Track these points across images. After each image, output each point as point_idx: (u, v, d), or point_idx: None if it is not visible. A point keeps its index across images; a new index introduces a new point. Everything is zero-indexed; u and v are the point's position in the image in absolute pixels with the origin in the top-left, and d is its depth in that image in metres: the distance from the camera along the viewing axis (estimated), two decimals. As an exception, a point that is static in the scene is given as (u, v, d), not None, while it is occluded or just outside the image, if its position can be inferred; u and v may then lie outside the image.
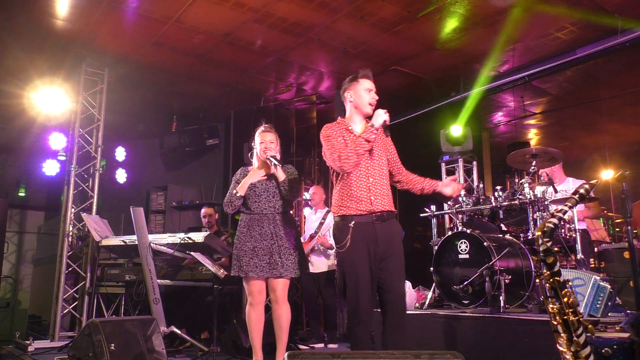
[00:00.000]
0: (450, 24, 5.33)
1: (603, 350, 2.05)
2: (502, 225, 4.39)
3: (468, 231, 4.10)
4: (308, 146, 7.44)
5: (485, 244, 3.87)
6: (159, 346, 3.48)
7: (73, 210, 5.72)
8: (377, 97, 2.89)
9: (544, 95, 7.20)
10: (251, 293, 3.35)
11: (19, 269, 10.54)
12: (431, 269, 4.27)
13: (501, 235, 4.27)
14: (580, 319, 1.60)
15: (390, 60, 6.08)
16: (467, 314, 3.66)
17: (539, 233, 1.64)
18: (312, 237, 5.17)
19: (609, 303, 3.19)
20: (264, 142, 3.45)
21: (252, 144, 3.59)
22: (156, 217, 8.10)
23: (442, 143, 6.89)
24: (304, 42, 5.68)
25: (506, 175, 8.34)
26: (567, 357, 1.61)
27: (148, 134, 8.29)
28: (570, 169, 5.22)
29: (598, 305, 3.17)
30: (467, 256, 4.05)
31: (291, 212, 3.58)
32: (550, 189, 4.26)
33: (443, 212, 5.02)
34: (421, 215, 5.02)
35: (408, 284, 4.45)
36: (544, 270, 1.63)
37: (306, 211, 6.45)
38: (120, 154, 7.08)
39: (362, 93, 2.88)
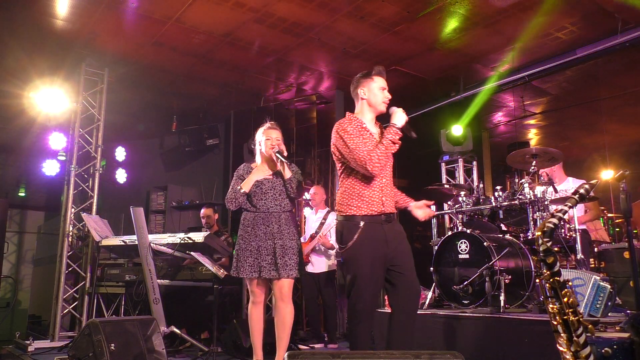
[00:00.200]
0: (450, 24, 5.33)
1: (603, 350, 2.05)
2: (502, 225, 4.39)
3: (468, 231, 4.10)
4: (308, 146, 7.44)
5: (485, 244, 3.87)
6: (159, 346, 3.48)
7: (73, 210, 5.71)
8: (390, 96, 2.84)
9: (544, 95, 7.20)
10: (253, 292, 3.31)
11: (19, 269, 10.54)
12: (431, 269, 4.27)
13: (501, 235, 4.27)
14: (580, 319, 1.60)
15: (390, 60, 6.08)
16: (467, 314, 3.66)
17: (539, 233, 1.64)
18: (312, 237, 5.16)
19: (609, 303, 3.19)
20: (270, 139, 3.38)
21: (252, 145, 3.57)
22: (156, 217, 8.11)
23: (443, 143, 6.89)
24: (304, 42, 5.68)
25: (506, 175, 8.35)
26: (567, 357, 1.61)
27: (148, 134, 8.29)
28: (570, 169, 5.22)
29: (598, 305, 3.17)
30: (467, 256, 4.05)
31: (293, 211, 3.53)
32: (550, 189, 4.26)
33: (443, 212, 5.01)
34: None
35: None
36: (544, 270, 1.62)
37: (306, 211, 6.45)
38: (120, 154, 7.08)
39: (376, 91, 2.81)
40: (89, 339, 3.22)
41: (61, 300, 5.45)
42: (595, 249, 4.70)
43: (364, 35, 5.54)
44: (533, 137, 9.04)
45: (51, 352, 4.71)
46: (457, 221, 4.73)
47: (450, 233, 4.37)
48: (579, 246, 3.97)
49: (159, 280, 4.42)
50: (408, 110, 2.80)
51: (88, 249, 5.73)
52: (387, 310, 3.02)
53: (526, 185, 4.17)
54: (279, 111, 7.14)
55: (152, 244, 4.37)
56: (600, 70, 6.40)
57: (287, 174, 3.32)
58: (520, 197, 4.19)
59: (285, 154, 3.35)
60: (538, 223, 4.06)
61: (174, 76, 6.56)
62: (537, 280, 1.67)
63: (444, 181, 6.92)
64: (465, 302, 3.94)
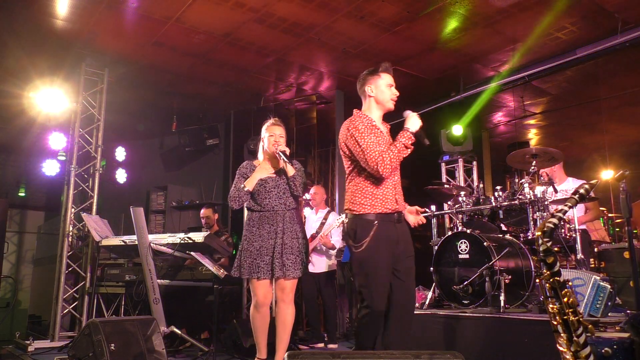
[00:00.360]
0: (450, 24, 5.33)
1: (603, 350, 2.05)
2: (502, 225, 4.39)
3: (468, 231, 4.10)
4: (308, 146, 7.45)
5: (485, 244, 3.87)
6: (159, 346, 3.48)
7: (73, 210, 5.71)
8: (397, 93, 2.80)
9: (544, 95, 7.20)
10: (256, 295, 3.22)
11: (19, 269, 10.54)
12: (431, 269, 4.27)
13: (501, 235, 4.27)
14: (580, 319, 1.60)
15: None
16: (467, 314, 3.66)
17: (539, 233, 1.64)
18: (313, 237, 5.16)
19: (609, 303, 3.19)
20: (274, 136, 3.33)
21: (251, 146, 3.54)
22: (156, 217, 8.11)
23: (443, 143, 6.89)
24: (304, 42, 5.68)
25: (506, 175, 8.35)
26: (567, 357, 1.61)
27: (148, 134, 8.29)
28: (570, 169, 5.22)
29: (598, 305, 3.17)
30: (467, 256, 4.05)
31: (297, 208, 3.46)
32: (550, 189, 4.26)
33: (443, 212, 5.01)
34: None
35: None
36: (544, 270, 1.62)
37: (306, 211, 6.45)
38: (120, 154, 7.08)
39: (383, 88, 2.77)
40: (89, 339, 3.22)
41: (61, 300, 5.45)
42: (595, 249, 4.69)
43: (364, 35, 5.54)
44: (533, 137, 9.04)
45: (51, 352, 4.71)
46: (457, 221, 4.73)
47: (450, 233, 4.37)
48: (579, 246, 3.97)
49: (159, 280, 4.42)
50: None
51: (88, 249, 5.74)
52: None
53: (526, 185, 4.17)
54: (279, 111, 7.14)
55: (152, 244, 4.36)
56: (600, 70, 6.40)
57: (291, 171, 3.27)
58: (520, 197, 4.19)
59: (288, 152, 3.30)
60: (538, 223, 4.06)
61: (174, 76, 6.56)
62: (537, 280, 1.67)
63: (444, 181, 6.92)
64: (465, 302, 3.94)
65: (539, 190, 4.20)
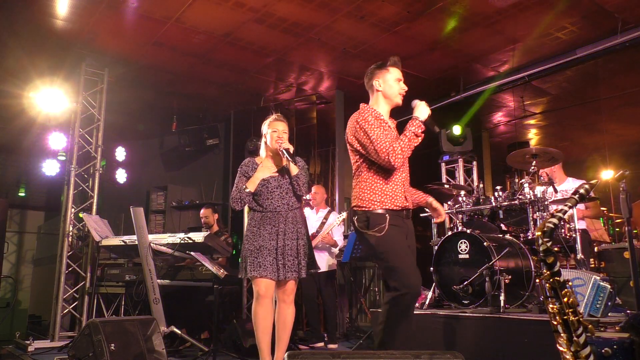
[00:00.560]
0: (450, 24, 5.33)
1: (603, 350, 2.05)
2: (502, 225, 4.39)
3: (468, 231, 4.10)
4: (308, 146, 7.45)
5: (485, 244, 3.87)
6: (159, 346, 3.48)
7: (73, 210, 5.71)
8: (406, 87, 2.75)
9: (544, 95, 7.20)
10: (259, 287, 3.10)
11: (19, 269, 10.54)
12: (431, 269, 4.27)
13: (501, 235, 4.27)
14: (580, 319, 1.60)
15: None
16: (467, 314, 3.66)
17: (539, 233, 1.64)
18: (313, 236, 5.16)
19: (609, 303, 3.19)
20: (277, 132, 3.20)
21: (251, 147, 3.48)
22: (156, 217, 8.11)
23: (443, 143, 6.89)
24: (304, 42, 5.68)
25: (506, 175, 8.35)
26: (567, 357, 1.61)
27: (148, 134, 8.30)
28: (570, 169, 5.22)
29: (598, 305, 3.17)
30: (467, 256, 4.05)
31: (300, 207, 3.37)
32: (550, 189, 4.26)
33: (443, 212, 5.00)
34: (421, 215, 5.01)
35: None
36: (544, 270, 1.62)
37: (306, 211, 6.45)
38: (120, 154, 7.08)
39: (391, 82, 2.72)
40: (89, 339, 3.22)
41: (61, 300, 5.45)
42: (595, 249, 4.69)
43: (364, 35, 5.54)
44: (533, 137, 9.05)
45: (51, 352, 4.71)
46: (457, 221, 4.73)
47: (450, 233, 4.37)
48: (579, 246, 3.97)
49: (159, 280, 4.42)
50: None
51: (88, 249, 5.74)
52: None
53: (526, 185, 4.17)
54: (279, 111, 7.13)
55: (152, 244, 4.37)
56: (600, 70, 6.41)
57: (294, 170, 3.16)
58: (520, 197, 4.19)
59: (292, 150, 3.19)
60: (538, 223, 4.06)
61: (174, 76, 6.56)
62: (537, 280, 1.67)
63: (444, 181, 6.92)
64: (465, 302, 3.93)
65: (539, 190, 4.20)
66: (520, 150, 4.60)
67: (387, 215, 2.54)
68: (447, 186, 5.04)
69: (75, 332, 5.55)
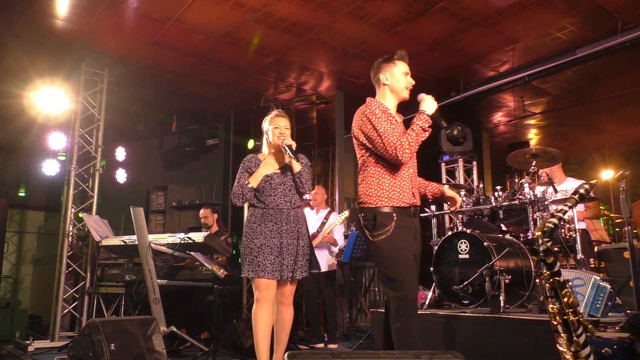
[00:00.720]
0: (450, 24, 5.33)
1: (603, 350, 2.05)
2: (502, 225, 4.39)
3: (468, 231, 4.10)
4: (308, 146, 7.44)
5: (485, 244, 3.87)
6: (159, 346, 3.48)
7: (73, 210, 5.72)
8: (413, 82, 2.70)
9: (544, 95, 7.20)
10: (258, 288, 3.03)
11: (19, 269, 10.54)
12: (431, 269, 4.27)
13: (501, 235, 4.27)
14: (580, 319, 1.60)
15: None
16: (467, 314, 3.66)
17: (539, 233, 1.64)
18: (314, 236, 5.17)
19: (609, 303, 3.19)
20: (279, 127, 3.14)
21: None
22: (156, 217, 8.11)
23: (443, 143, 6.89)
24: (304, 42, 5.68)
25: (506, 175, 8.34)
26: (567, 357, 1.61)
27: (148, 134, 8.30)
28: (570, 169, 5.23)
29: (598, 305, 3.17)
30: (467, 256, 4.05)
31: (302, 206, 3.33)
32: (550, 189, 4.26)
33: (443, 212, 5.01)
34: (421, 215, 5.01)
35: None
36: (544, 270, 1.62)
37: (306, 211, 6.46)
38: (120, 154, 7.09)
39: (399, 76, 2.67)
40: (89, 339, 3.22)
41: (61, 300, 5.45)
42: (595, 249, 4.69)
43: (364, 35, 5.54)
44: (533, 137, 9.05)
45: (51, 352, 4.72)
46: (457, 221, 4.74)
47: (450, 233, 4.37)
48: (579, 246, 3.97)
49: (159, 280, 4.42)
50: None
51: (88, 249, 5.74)
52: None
53: (526, 185, 4.17)
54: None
55: (152, 244, 4.37)
56: (600, 70, 6.41)
57: (297, 167, 3.11)
58: (520, 197, 4.19)
59: (294, 146, 3.12)
60: (538, 223, 4.06)
61: (174, 76, 6.56)
62: (537, 280, 1.67)
63: (444, 181, 6.92)
64: (465, 302, 3.93)
65: (539, 190, 4.20)
66: (520, 150, 4.60)
67: (394, 214, 2.48)
68: (447, 186, 5.04)
69: (75, 332, 5.56)
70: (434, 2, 4.90)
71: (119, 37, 5.57)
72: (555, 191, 4.28)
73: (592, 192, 3.85)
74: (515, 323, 3.28)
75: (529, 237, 4.13)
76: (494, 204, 4.37)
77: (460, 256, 4.09)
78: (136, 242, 4.33)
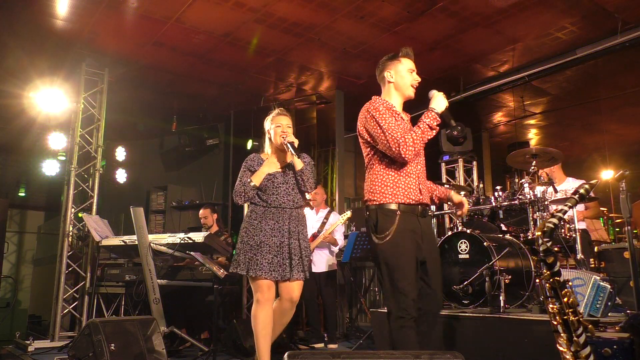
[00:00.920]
0: (451, 24, 5.33)
1: (603, 350, 2.05)
2: (502, 225, 4.39)
3: (468, 231, 4.10)
4: (308, 146, 7.45)
5: (485, 244, 3.87)
6: (159, 346, 3.48)
7: (73, 210, 5.71)
8: (419, 79, 2.65)
9: (544, 95, 7.20)
10: (260, 288, 2.98)
11: (19, 269, 10.54)
12: (431, 269, 4.26)
13: (501, 235, 4.27)
14: (580, 319, 1.60)
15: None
16: (467, 314, 3.66)
17: (539, 233, 1.64)
18: (314, 236, 5.16)
19: (609, 303, 3.18)
20: (281, 126, 3.10)
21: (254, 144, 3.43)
22: (156, 217, 8.11)
23: (443, 143, 6.89)
24: (304, 42, 5.69)
25: (506, 175, 8.35)
26: (567, 357, 1.61)
27: (148, 134, 8.30)
28: (570, 169, 5.22)
29: (598, 305, 3.17)
30: (467, 256, 4.05)
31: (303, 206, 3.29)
32: (550, 189, 4.26)
33: (443, 212, 5.01)
34: (421, 215, 5.02)
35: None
36: (544, 270, 1.62)
37: (306, 212, 6.46)
38: (120, 154, 7.09)
39: (404, 73, 2.64)
40: (89, 339, 3.22)
41: (61, 300, 5.45)
42: (595, 249, 4.69)
43: (364, 35, 5.54)
44: (533, 137, 9.05)
45: (51, 352, 4.71)
46: (457, 221, 4.73)
47: (450, 233, 4.37)
48: (579, 246, 3.97)
49: (159, 280, 4.42)
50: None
51: (88, 249, 5.74)
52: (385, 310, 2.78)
53: (526, 185, 4.17)
54: (280, 110, 7.15)
55: (152, 244, 4.37)
56: (600, 70, 6.41)
57: (299, 165, 3.06)
58: (520, 197, 4.19)
59: (297, 144, 3.07)
60: (538, 223, 4.06)
61: (174, 76, 6.56)
62: (537, 280, 1.67)
63: (444, 181, 6.92)
64: (465, 302, 3.93)
65: (539, 190, 4.20)
66: (520, 150, 4.60)
67: (398, 212, 2.41)
68: (447, 186, 5.04)
69: (75, 332, 5.55)
70: (434, 2, 4.90)
71: (119, 37, 5.57)
72: (555, 191, 4.28)
73: (592, 192, 3.85)
74: (515, 323, 3.28)
75: (529, 237, 4.13)
76: (494, 204, 4.37)
77: (460, 256, 4.09)
78: (136, 242, 4.33)
